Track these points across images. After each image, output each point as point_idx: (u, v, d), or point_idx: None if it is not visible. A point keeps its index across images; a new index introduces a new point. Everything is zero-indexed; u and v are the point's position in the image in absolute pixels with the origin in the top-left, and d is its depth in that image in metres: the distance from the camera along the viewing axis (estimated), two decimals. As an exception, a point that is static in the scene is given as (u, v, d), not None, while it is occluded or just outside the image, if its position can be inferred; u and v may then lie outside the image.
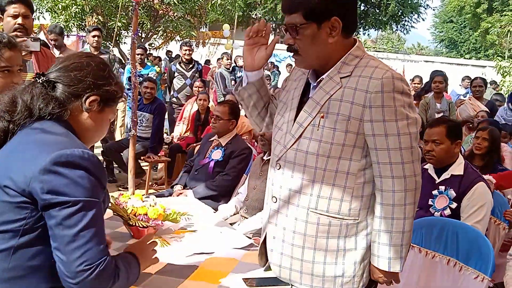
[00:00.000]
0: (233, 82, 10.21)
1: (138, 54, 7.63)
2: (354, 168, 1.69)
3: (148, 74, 7.42)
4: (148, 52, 10.52)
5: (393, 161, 1.64)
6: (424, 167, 3.18)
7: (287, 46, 1.73)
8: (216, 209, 3.61)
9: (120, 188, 5.74)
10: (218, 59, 14.50)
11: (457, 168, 3.01)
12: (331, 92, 1.69)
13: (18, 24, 3.08)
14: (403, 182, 1.65)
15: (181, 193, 3.92)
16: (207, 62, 16.05)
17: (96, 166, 1.38)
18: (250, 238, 2.73)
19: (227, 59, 10.57)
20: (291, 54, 1.76)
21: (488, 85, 10.81)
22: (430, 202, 3.03)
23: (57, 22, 10.88)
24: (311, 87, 1.80)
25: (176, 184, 4.16)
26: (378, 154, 1.66)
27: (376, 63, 1.69)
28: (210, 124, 4.10)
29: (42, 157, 1.32)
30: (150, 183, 6.03)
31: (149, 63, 8.54)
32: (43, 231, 1.34)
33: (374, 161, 1.68)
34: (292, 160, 1.75)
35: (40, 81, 1.47)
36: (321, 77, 1.74)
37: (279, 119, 1.86)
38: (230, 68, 10.54)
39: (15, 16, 3.09)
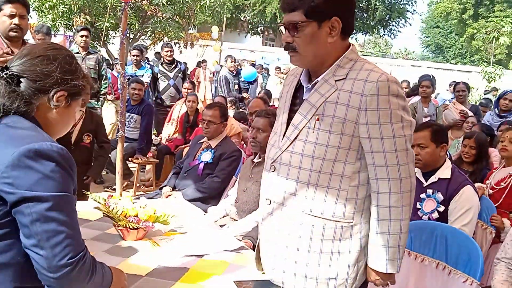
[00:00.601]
0: (236, 86, 10.14)
1: (134, 56, 7.62)
2: (348, 171, 1.70)
3: (143, 75, 7.41)
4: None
5: (389, 163, 1.65)
6: (411, 171, 3.22)
7: (284, 44, 1.73)
8: (205, 211, 3.60)
9: (107, 189, 5.70)
10: (203, 61, 14.48)
11: (445, 171, 3.05)
12: (327, 95, 1.70)
13: (15, 24, 3.07)
14: (399, 183, 1.67)
15: (170, 195, 3.90)
16: (202, 62, 15.92)
17: (66, 158, 1.36)
18: (240, 240, 2.72)
19: (231, 62, 10.48)
20: (287, 52, 1.76)
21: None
22: (418, 206, 3.05)
23: (44, 22, 10.78)
24: (305, 89, 1.81)
25: (165, 185, 4.13)
26: (374, 156, 1.67)
27: (370, 66, 1.70)
28: (203, 130, 4.06)
29: (9, 152, 1.28)
30: (138, 185, 6.00)
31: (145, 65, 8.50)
32: (9, 228, 1.32)
33: (370, 163, 1.68)
34: (287, 162, 1.75)
35: (4, 76, 1.41)
36: (316, 80, 1.75)
37: (276, 124, 1.87)
38: (235, 72, 10.44)
39: (11, 16, 3.08)
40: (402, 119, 1.65)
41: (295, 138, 1.74)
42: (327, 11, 1.64)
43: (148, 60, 12.83)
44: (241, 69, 11.42)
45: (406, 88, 8.46)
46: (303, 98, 1.79)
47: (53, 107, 1.45)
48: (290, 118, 1.80)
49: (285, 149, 1.76)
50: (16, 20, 3.09)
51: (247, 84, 10.64)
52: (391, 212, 1.68)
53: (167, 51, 7.61)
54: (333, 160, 1.68)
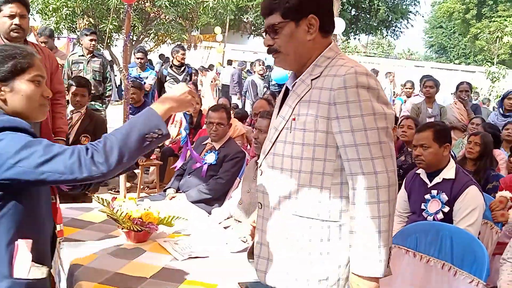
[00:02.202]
0: (265, 89, 9.91)
1: (138, 58, 7.63)
2: (329, 169, 1.67)
3: (147, 77, 7.43)
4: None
5: (361, 157, 1.59)
6: (416, 171, 3.21)
7: (267, 48, 1.75)
8: (209, 213, 3.60)
9: (111, 192, 5.70)
10: (209, 66, 14.48)
11: (449, 172, 3.04)
12: (301, 94, 1.71)
13: (15, 24, 3.02)
14: (374, 178, 1.59)
15: (174, 197, 3.89)
16: (211, 67, 15.93)
17: (12, 121, 1.48)
18: (244, 242, 2.71)
19: (260, 65, 10.29)
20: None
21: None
22: (422, 206, 3.05)
23: (48, 24, 10.81)
24: (290, 92, 1.82)
25: (169, 187, 4.13)
26: (347, 151, 1.62)
27: (343, 61, 1.68)
28: (209, 132, 4.04)
29: None
30: (141, 187, 6.00)
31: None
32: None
33: (344, 158, 1.64)
34: (271, 165, 1.77)
35: None
36: (295, 81, 1.77)
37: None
38: (265, 76, 10.26)
39: (11, 16, 3.04)
40: (374, 111, 1.60)
41: (275, 140, 1.75)
42: (302, 9, 1.66)
43: (151, 63, 12.86)
44: (250, 71, 11.29)
45: (410, 88, 8.42)
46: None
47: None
48: None
49: (267, 152, 1.79)
50: (16, 20, 3.05)
51: (277, 87, 10.01)
52: (367, 208, 1.58)
53: (183, 54, 7.65)
54: (312, 159, 1.67)
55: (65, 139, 3.67)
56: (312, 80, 1.70)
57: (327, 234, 1.68)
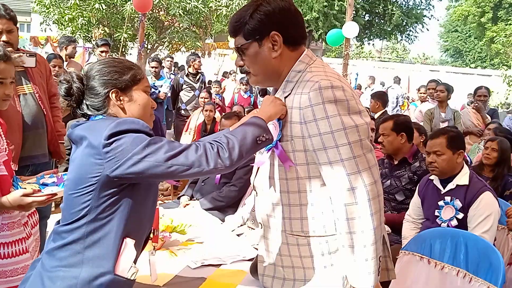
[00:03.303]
0: None
1: (152, 67, 7.73)
2: (315, 185, 1.66)
3: (162, 85, 7.52)
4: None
5: (337, 174, 1.57)
6: (429, 178, 3.18)
7: (239, 68, 1.77)
8: (223, 220, 3.60)
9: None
10: (230, 72, 14.52)
11: (462, 178, 3.00)
12: None
13: (3, 41, 2.94)
14: (353, 194, 1.57)
15: (188, 204, 3.91)
16: (225, 74, 16.01)
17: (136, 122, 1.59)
18: (257, 249, 2.71)
19: None
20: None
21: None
22: (436, 213, 3.01)
23: (64, 34, 10.97)
24: None
25: (183, 195, 4.15)
26: (323, 168, 1.61)
27: (310, 75, 1.65)
28: None
29: None
30: (156, 194, 6.01)
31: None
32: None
33: (323, 176, 1.63)
34: (261, 187, 1.78)
35: None
36: None
37: None
38: None
39: None
40: (344, 126, 1.56)
41: (261, 161, 1.76)
42: (262, 29, 1.65)
43: (178, 67, 12.92)
44: None
45: (424, 93, 8.34)
46: None
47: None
48: None
49: (256, 173, 1.80)
50: (4, 37, 2.96)
51: None
52: (349, 225, 1.58)
53: (199, 62, 7.77)
54: (296, 178, 1.66)
55: (64, 142, 3.66)
56: (285, 98, 1.69)
57: (326, 248, 1.68)
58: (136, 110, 1.66)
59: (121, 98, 1.64)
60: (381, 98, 6.38)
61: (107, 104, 1.63)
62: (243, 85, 8.93)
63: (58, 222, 1.63)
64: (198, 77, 7.76)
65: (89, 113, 1.65)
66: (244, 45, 1.68)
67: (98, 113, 1.63)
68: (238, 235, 3.24)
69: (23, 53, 2.94)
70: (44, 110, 3.25)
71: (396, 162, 3.65)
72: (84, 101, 1.65)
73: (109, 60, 1.70)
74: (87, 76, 1.65)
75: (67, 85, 1.63)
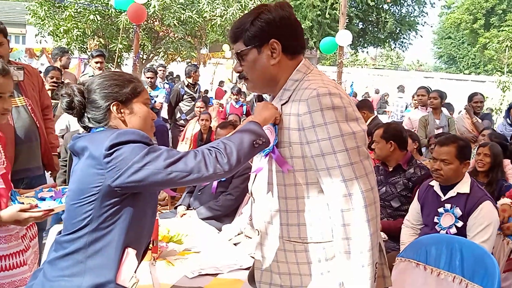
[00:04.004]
0: None
1: (148, 78, 7.76)
2: (313, 191, 1.67)
3: (157, 96, 7.55)
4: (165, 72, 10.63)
5: (334, 180, 1.59)
6: (430, 183, 3.18)
7: (237, 74, 1.79)
8: (220, 230, 3.61)
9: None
10: (221, 82, 14.59)
11: (463, 186, 3.00)
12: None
13: None
14: (349, 200, 1.58)
15: (184, 214, 3.92)
16: (221, 83, 16.09)
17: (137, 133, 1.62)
18: (254, 258, 2.72)
19: None
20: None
21: None
22: (435, 220, 3.02)
23: (59, 45, 10.99)
24: None
25: (180, 205, 4.16)
26: (320, 174, 1.62)
27: (308, 83, 1.67)
28: None
29: None
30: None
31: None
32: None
33: (320, 182, 1.64)
34: (258, 193, 1.79)
35: None
36: None
37: None
38: None
39: None
40: (341, 132, 1.58)
41: (259, 168, 1.77)
42: (262, 36, 1.68)
43: (168, 79, 12.94)
44: None
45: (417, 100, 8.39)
46: None
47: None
48: None
49: (254, 179, 1.81)
50: None
51: None
52: (345, 231, 1.59)
53: (197, 73, 7.84)
54: (294, 184, 1.67)
55: (57, 153, 3.65)
56: (282, 105, 1.71)
57: (323, 255, 1.68)
58: (137, 122, 1.69)
59: (122, 110, 1.66)
60: (365, 106, 6.36)
61: (108, 117, 1.66)
62: (234, 95, 8.97)
63: (59, 232, 1.65)
64: (196, 87, 7.83)
65: (90, 125, 1.67)
66: (244, 51, 1.71)
67: (100, 125, 1.66)
68: (235, 244, 3.24)
69: (11, 66, 2.92)
70: (37, 122, 3.25)
71: (390, 169, 3.67)
72: (85, 114, 1.67)
73: (109, 73, 1.72)
74: (88, 89, 1.67)
75: (68, 99, 1.65)
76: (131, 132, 1.56)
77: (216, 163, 1.49)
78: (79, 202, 1.54)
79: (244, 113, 9.17)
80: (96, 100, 1.65)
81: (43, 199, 2.15)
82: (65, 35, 11.95)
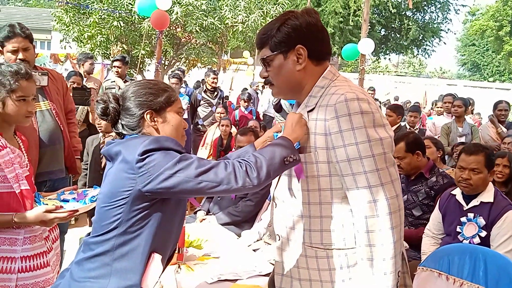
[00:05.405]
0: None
1: (173, 84, 7.83)
2: (337, 197, 1.66)
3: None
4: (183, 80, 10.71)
5: (360, 185, 1.58)
6: (452, 192, 3.13)
7: (263, 79, 1.79)
8: (239, 235, 3.61)
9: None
10: (244, 89, 14.59)
11: (487, 195, 2.95)
12: None
13: (19, 59, 3.01)
14: (374, 206, 1.57)
15: (204, 219, 3.93)
16: (244, 91, 16.13)
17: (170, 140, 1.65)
18: (274, 264, 2.71)
19: None
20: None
21: None
22: (458, 229, 2.97)
23: (83, 51, 11.17)
24: None
25: (199, 210, 4.17)
26: (345, 180, 1.61)
27: (335, 89, 1.67)
28: None
29: None
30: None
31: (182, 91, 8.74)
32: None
33: (345, 187, 1.63)
34: (281, 198, 1.78)
35: None
36: None
37: None
38: None
39: (14, 52, 3.04)
40: (368, 138, 1.57)
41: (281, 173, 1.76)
42: (288, 42, 1.68)
43: (187, 84, 13.05)
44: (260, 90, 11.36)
45: (440, 107, 8.29)
46: None
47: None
48: None
49: (276, 184, 1.81)
50: (20, 55, 3.03)
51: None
52: (369, 238, 1.58)
53: (214, 78, 7.83)
54: (318, 190, 1.67)
55: (80, 157, 3.69)
56: (308, 112, 1.71)
57: (345, 262, 1.67)
58: (169, 131, 1.71)
59: (155, 119, 1.69)
60: (397, 109, 6.33)
61: (142, 124, 1.68)
62: (244, 101, 8.98)
63: (88, 234, 1.67)
64: (216, 93, 7.84)
65: (124, 132, 1.70)
66: (270, 56, 1.72)
67: (133, 132, 1.68)
68: (254, 250, 3.24)
69: (35, 72, 2.98)
70: (61, 126, 3.31)
71: (412, 177, 3.63)
72: (119, 121, 1.70)
73: (144, 82, 1.75)
74: (123, 97, 1.70)
75: (103, 105, 1.68)
76: (165, 139, 1.58)
77: (245, 176, 1.50)
78: (109, 205, 1.57)
79: (254, 117, 9.16)
80: (131, 107, 1.68)
81: (66, 201, 2.19)
82: (89, 41, 12.15)
